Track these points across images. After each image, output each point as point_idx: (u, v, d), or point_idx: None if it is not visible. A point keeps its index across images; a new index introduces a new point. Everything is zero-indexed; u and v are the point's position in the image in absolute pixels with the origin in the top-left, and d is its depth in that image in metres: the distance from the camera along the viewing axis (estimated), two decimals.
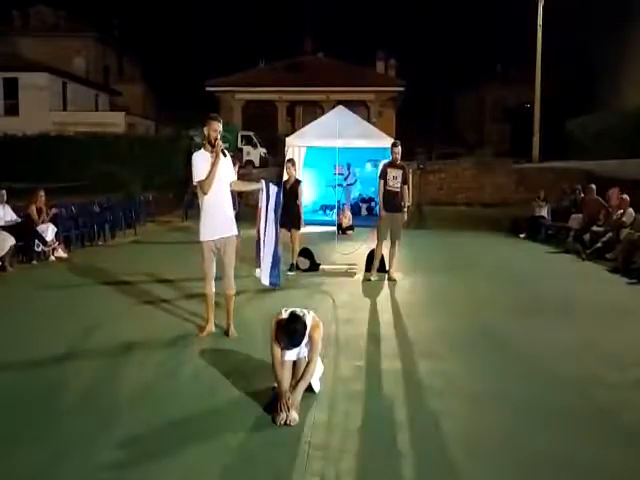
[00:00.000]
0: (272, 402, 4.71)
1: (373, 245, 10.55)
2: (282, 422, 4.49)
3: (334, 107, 22.04)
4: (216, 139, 6.53)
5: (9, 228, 11.23)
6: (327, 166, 20.45)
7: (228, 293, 6.82)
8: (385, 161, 11.12)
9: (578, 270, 11.66)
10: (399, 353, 6.32)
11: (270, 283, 7.58)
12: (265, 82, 37.98)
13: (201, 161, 6.54)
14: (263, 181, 7.18)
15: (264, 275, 7.49)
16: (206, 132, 6.59)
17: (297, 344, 4.79)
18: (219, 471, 3.91)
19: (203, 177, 6.47)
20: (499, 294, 9.36)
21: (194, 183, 6.59)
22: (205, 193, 6.55)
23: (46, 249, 11.90)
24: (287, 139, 18.99)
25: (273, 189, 7.29)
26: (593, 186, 14.41)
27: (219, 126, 6.59)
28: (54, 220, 12.62)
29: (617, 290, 9.72)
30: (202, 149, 6.65)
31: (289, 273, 10.55)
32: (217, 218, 6.67)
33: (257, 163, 32.08)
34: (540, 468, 3.99)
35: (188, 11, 68.12)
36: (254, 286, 9.63)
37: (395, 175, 10.21)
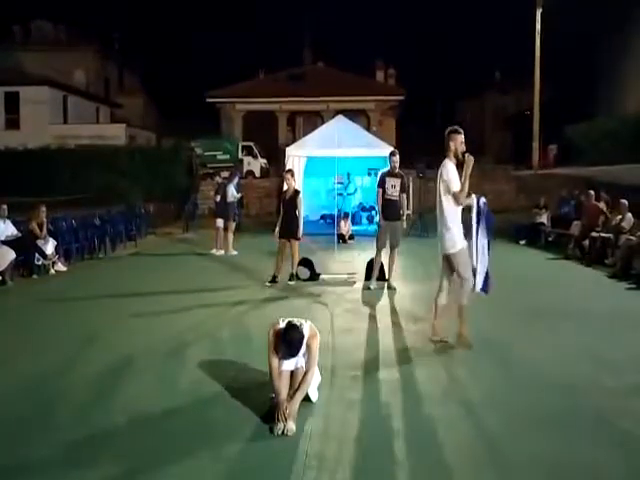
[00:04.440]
0: (270, 412, 4.72)
1: (372, 254, 10.56)
2: (280, 432, 4.50)
3: (334, 117, 22.09)
4: (463, 152, 6.66)
5: (9, 242, 11.26)
6: (327, 176, 20.49)
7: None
8: (383, 170, 11.16)
9: (578, 276, 11.67)
10: (397, 361, 6.33)
11: (482, 290, 7.28)
12: (265, 92, 38.10)
13: (454, 172, 6.61)
14: (474, 196, 7.09)
15: (478, 282, 7.23)
16: (453, 146, 6.65)
17: (295, 354, 4.80)
18: None
19: (458, 188, 6.54)
20: (499, 300, 9.32)
21: (452, 190, 6.56)
22: (460, 204, 6.66)
23: (46, 263, 11.91)
24: (287, 149, 19.04)
25: (482, 200, 7.22)
26: (592, 192, 14.43)
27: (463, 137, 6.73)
28: (54, 233, 12.66)
29: (616, 295, 9.73)
30: (448, 160, 6.68)
31: (289, 283, 10.57)
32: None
33: (258, 174, 32.13)
34: (537, 473, 3.99)
35: (188, 23, 68.51)
36: (254, 296, 9.68)
37: (393, 184, 10.25)
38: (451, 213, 6.67)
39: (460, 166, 6.69)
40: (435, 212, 7.04)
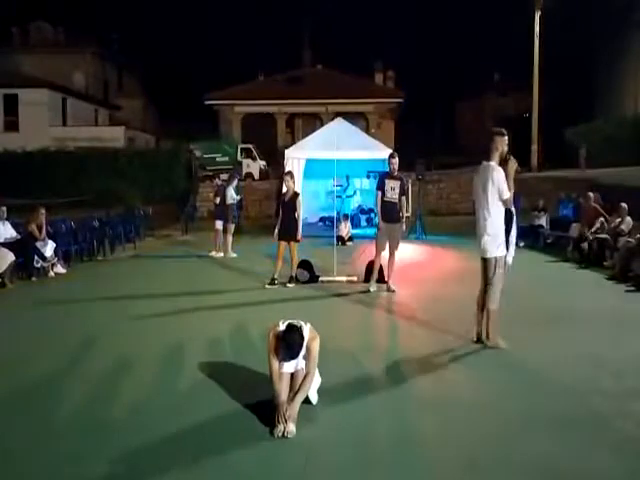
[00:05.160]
0: (270, 414, 4.71)
1: (372, 256, 10.56)
2: (280, 434, 4.50)
3: (333, 119, 22.10)
4: (508, 153, 6.68)
5: (9, 244, 11.26)
6: (326, 178, 20.49)
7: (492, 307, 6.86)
8: (383, 172, 11.15)
9: (577, 278, 11.66)
10: (398, 363, 6.33)
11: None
12: (264, 95, 38.16)
13: (504, 178, 6.57)
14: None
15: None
16: (500, 148, 6.65)
17: (295, 356, 4.80)
18: None
19: (509, 195, 6.55)
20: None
21: (504, 198, 6.54)
22: (509, 207, 6.68)
23: (45, 265, 11.89)
24: (286, 151, 19.05)
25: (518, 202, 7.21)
26: (591, 194, 14.45)
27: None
28: (53, 236, 12.65)
29: (615, 298, 9.72)
30: (495, 163, 6.63)
31: (288, 285, 10.56)
32: None
33: (257, 176, 32.12)
34: (537, 475, 3.99)
35: (188, 24, 68.43)
36: (253, 298, 9.68)
37: (393, 186, 10.24)
38: (499, 218, 6.67)
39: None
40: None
